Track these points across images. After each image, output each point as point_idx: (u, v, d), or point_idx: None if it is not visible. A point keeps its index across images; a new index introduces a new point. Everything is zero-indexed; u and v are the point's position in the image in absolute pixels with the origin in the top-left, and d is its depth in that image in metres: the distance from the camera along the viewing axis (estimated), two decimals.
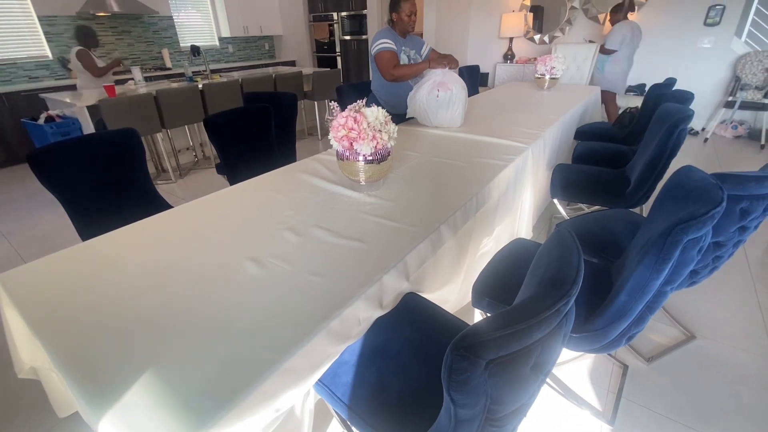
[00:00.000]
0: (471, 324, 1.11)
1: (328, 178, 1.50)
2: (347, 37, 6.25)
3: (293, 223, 1.17)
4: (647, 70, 4.66)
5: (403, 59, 2.30)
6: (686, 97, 2.23)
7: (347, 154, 1.30)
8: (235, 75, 4.48)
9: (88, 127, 3.00)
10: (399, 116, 2.40)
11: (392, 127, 1.30)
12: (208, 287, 0.89)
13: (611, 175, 2.11)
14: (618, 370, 1.47)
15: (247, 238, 1.09)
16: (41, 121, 3.02)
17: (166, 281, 0.92)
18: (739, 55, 4.16)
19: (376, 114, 1.26)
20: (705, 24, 4.24)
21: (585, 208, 2.53)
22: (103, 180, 1.68)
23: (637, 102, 4.26)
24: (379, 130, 1.26)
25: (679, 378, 1.43)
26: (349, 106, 1.28)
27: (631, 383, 1.41)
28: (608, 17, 4.19)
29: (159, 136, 3.31)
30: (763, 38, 4.03)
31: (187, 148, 4.06)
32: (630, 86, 4.71)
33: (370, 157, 1.29)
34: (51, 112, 3.17)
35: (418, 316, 1.08)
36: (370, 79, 2.47)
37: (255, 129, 2.22)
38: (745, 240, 1.23)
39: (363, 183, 1.37)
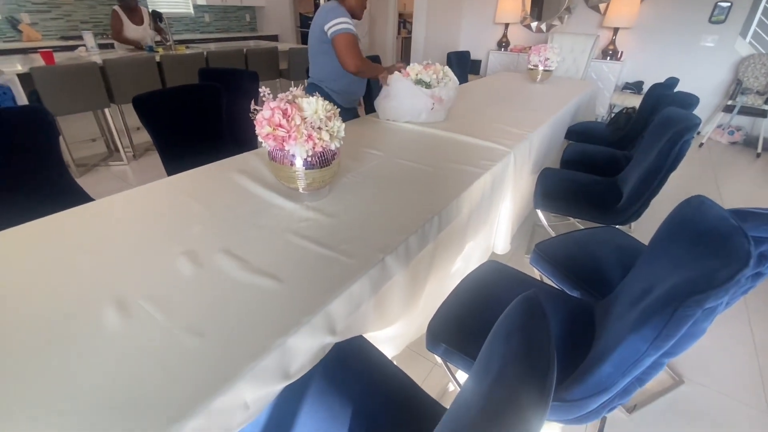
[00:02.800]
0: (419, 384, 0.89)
1: (265, 181, 1.23)
2: None
3: (196, 244, 0.90)
4: (645, 66, 4.42)
5: None
6: (690, 101, 2.00)
7: (278, 155, 1.03)
8: (212, 47, 4.09)
9: (21, 99, 2.63)
10: (353, 111, 2.11)
11: (337, 125, 1.03)
12: (38, 347, 0.63)
13: (601, 185, 1.88)
14: (594, 423, 1.27)
15: (127, 265, 0.83)
16: None
17: None
18: (742, 56, 3.94)
19: (315, 107, 0.99)
20: (710, 21, 3.99)
21: (573, 220, 2.31)
22: None
23: (633, 101, 4.04)
24: (319, 128, 0.99)
25: None
26: (280, 95, 1.00)
27: None
28: None
29: (108, 112, 2.95)
30: None
31: None
32: (627, 83, 4.47)
33: (310, 159, 1.03)
34: None
35: (348, 374, 0.85)
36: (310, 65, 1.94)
37: (201, 112, 1.92)
38: (756, 286, 1.02)
39: (302, 191, 1.11)
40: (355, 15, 1.82)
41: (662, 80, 2.62)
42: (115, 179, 2.93)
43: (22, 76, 2.59)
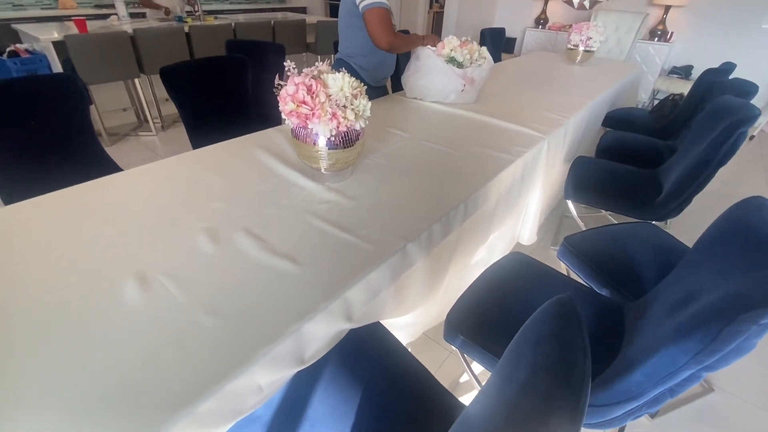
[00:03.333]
0: (433, 374, 0.87)
1: (287, 159, 1.21)
2: None
3: (217, 222, 0.89)
4: (696, 49, 4.07)
5: None
6: (748, 89, 1.82)
7: (301, 133, 1.00)
8: (240, 18, 4.03)
9: (56, 66, 2.69)
10: (382, 89, 2.02)
11: (363, 103, 0.98)
12: (58, 317, 0.64)
13: (640, 177, 1.77)
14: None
15: (149, 238, 0.83)
16: (5, 55, 2.71)
17: (16, 301, 0.67)
18: None
19: (340, 84, 0.94)
20: None
21: (605, 213, 2.20)
22: (26, 137, 1.41)
23: (680, 87, 3.76)
24: (344, 106, 0.95)
25: None
26: (305, 70, 0.96)
27: None
28: None
29: (138, 82, 2.98)
30: None
31: None
32: (674, 67, 4.15)
33: (333, 139, 0.99)
34: (19, 46, 2.84)
35: (362, 360, 0.83)
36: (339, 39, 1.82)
37: (227, 84, 1.90)
38: None
39: (324, 171, 1.08)
40: None
41: (715, 65, 2.41)
42: (144, 149, 2.99)
43: (57, 44, 2.64)
